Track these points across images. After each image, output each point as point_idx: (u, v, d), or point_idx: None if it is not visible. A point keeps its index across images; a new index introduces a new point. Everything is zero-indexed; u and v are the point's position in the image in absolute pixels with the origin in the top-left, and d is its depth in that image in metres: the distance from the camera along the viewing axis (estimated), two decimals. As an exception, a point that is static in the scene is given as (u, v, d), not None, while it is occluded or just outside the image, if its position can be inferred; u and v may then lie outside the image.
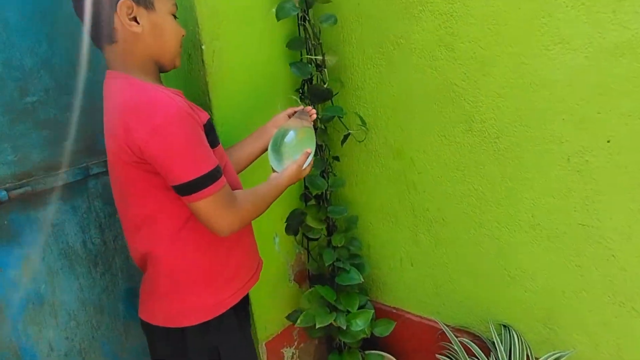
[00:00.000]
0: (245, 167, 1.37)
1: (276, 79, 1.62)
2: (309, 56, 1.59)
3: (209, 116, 1.10)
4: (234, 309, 1.16)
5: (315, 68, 1.60)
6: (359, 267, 1.72)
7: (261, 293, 1.68)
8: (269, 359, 1.78)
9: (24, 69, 1.23)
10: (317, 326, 1.57)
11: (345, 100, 1.70)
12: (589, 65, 1.15)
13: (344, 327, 1.61)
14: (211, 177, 0.98)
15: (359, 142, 1.70)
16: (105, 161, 1.42)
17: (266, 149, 1.32)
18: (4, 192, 1.16)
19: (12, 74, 1.20)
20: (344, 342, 1.71)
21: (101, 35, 1.02)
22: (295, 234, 1.75)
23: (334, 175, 1.76)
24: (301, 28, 1.58)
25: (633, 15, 1.06)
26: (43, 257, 1.31)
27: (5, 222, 1.22)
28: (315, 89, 1.57)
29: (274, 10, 1.53)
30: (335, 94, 1.61)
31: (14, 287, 1.26)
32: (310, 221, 1.65)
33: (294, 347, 1.90)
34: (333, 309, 1.66)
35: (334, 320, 1.62)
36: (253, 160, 1.37)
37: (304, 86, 1.65)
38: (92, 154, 1.41)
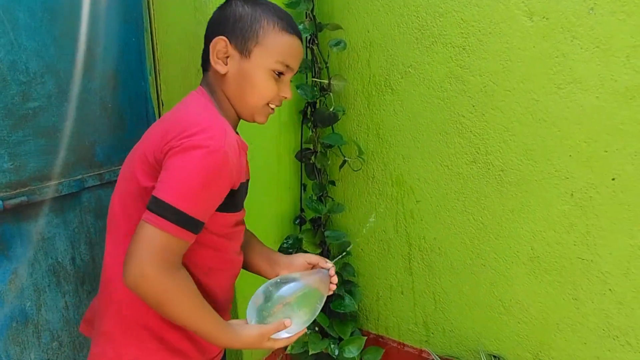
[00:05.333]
0: None
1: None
2: (315, 79, 1.59)
3: (248, 178, 1.01)
4: None
5: (319, 91, 1.60)
6: (352, 294, 1.69)
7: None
8: (255, 386, 1.72)
9: (29, 72, 1.16)
10: (310, 353, 1.53)
11: (346, 125, 1.70)
12: (599, 106, 1.20)
13: (336, 354, 1.57)
14: (182, 219, 0.81)
15: (355, 170, 1.70)
16: (101, 174, 1.37)
17: (269, 277, 1.08)
18: (0, 202, 1.08)
19: (16, 77, 1.13)
20: (335, 370, 1.67)
21: (203, 59, 1.01)
22: (288, 258, 1.71)
23: (331, 199, 1.74)
24: (309, 51, 1.58)
25: (644, 61, 1.12)
26: (31, 272, 1.22)
27: (-4, 234, 1.13)
28: (320, 112, 1.57)
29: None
30: (338, 120, 1.61)
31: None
32: (306, 246, 1.62)
33: (278, 374, 1.84)
34: (325, 335, 1.63)
35: (326, 347, 1.58)
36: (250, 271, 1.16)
37: (306, 109, 1.64)
38: (89, 166, 1.34)
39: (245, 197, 1.01)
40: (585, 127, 1.24)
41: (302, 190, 1.78)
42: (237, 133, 0.97)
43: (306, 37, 1.55)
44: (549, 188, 1.34)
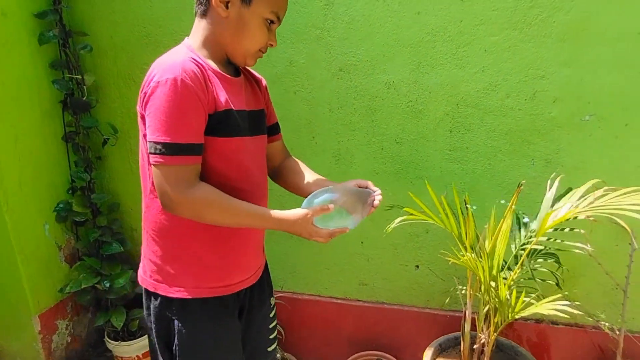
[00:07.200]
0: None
1: (40, 90, 2.00)
2: (69, 75, 2.01)
3: (230, 107, 1.08)
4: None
5: (76, 85, 2.03)
6: (122, 242, 2.17)
7: (32, 271, 2.01)
8: (43, 330, 2.10)
9: None
10: (83, 286, 1.98)
11: (104, 111, 2.15)
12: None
13: (108, 287, 2.04)
14: (173, 148, 0.98)
15: (112, 145, 2.16)
16: None
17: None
18: None
19: None
20: (110, 301, 2.13)
21: (199, 6, 1.10)
22: (64, 221, 2.12)
23: (96, 170, 2.19)
24: (62, 52, 2.00)
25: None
26: None
27: None
28: (76, 100, 2.00)
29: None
30: (93, 107, 2.06)
31: None
32: (76, 207, 2.05)
33: (67, 319, 2.23)
34: (99, 275, 2.08)
35: (99, 283, 2.04)
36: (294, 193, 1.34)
37: (66, 99, 2.05)
38: None
39: (233, 124, 1.09)
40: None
41: (73, 166, 2.18)
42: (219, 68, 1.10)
43: (59, 41, 1.95)
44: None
